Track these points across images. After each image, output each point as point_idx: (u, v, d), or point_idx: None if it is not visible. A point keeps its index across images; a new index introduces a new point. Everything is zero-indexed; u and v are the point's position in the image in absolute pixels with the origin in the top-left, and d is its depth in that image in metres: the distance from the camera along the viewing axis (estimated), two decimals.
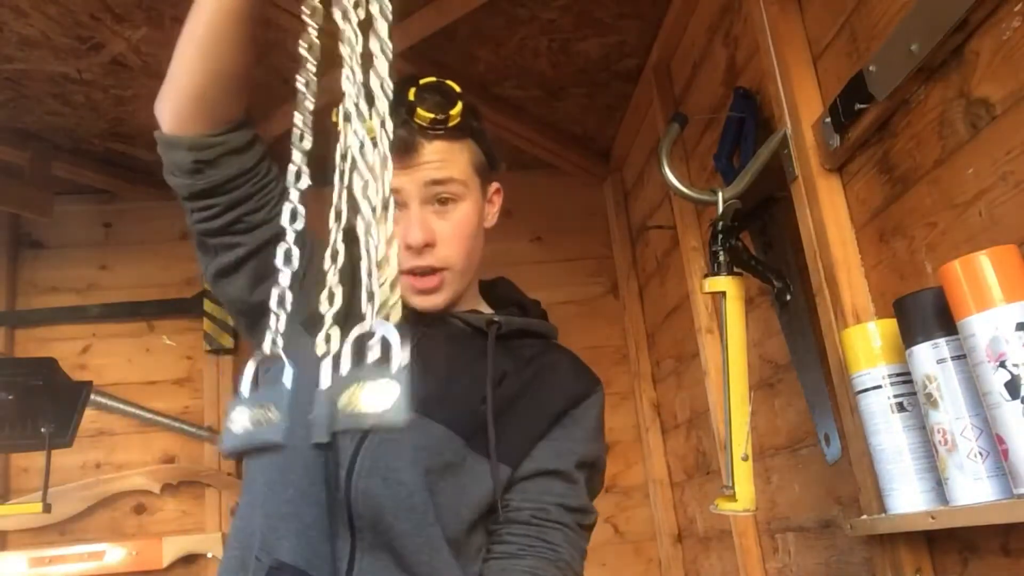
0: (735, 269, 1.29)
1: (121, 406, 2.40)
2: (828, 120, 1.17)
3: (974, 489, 0.87)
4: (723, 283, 1.27)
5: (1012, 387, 0.78)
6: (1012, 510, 0.81)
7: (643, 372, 2.49)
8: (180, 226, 2.57)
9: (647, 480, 2.47)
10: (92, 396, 2.15)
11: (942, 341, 0.90)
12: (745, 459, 1.19)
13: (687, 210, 1.94)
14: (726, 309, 1.26)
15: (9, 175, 2.22)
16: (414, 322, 1.00)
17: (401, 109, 0.97)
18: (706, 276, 1.31)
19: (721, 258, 1.29)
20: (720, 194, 1.32)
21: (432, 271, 1.00)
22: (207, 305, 2.44)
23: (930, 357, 0.91)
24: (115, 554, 2.26)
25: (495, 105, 2.21)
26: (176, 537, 2.32)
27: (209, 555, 2.31)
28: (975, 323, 0.82)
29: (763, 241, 1.52)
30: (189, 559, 2.30)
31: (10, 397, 1.89)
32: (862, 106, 1.08)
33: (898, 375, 1.00)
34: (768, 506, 1.64)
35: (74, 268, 2.52)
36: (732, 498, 1.18)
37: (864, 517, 1.12)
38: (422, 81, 1.02)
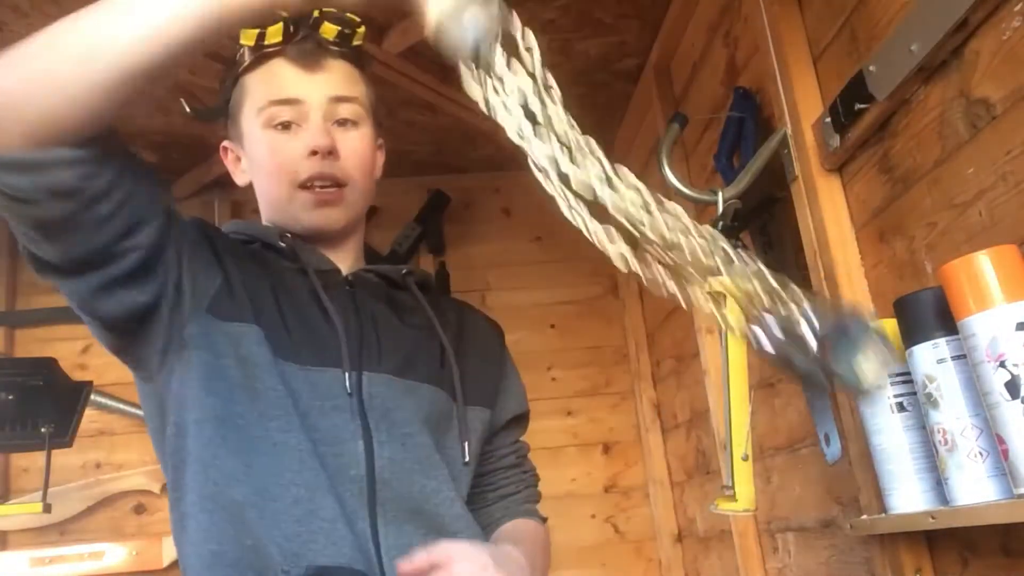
0: None
1: (121, 406, 2.39)
2: (828, 120, 1.17)
3: (974, 489, 0.87)
4: (723, 283, 1.27)
5: (1012, 387, 0.78)
6: (1012, 510, 0.81)
7: (643, 372, 2.49)
8: None
9: (647, 480, 2.47)
10: (92, 396, 2.15)
11: (942, 341, 0.90)
12: (745, 459, 1.19)
13: (687, 210, 1.94)
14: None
15: None
16: (335, 281, 1.00)
17: (306, 23, 0.97)
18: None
19: None
20: (720, 194, 1.32)
21: (335, 184, 0.98)
22: None
23: (930, 357, 0.91)
24: (115, 554, 2.26)
25: None
26: None
27: None
28: (975, 323, 0.82)
29: (763, 241, 1.52)
30: None
31: (10, 397, 1.89)
32: (862, 106, 1.08)
33: (898, 375, 1.00)
34: (768, 506, 1.64)
35: None
36: (732, 498, 1.18)
37: (864, 517, 1.12)
38: (325, 8, 0.98)
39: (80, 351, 2.44)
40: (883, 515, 1.04)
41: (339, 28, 0.98)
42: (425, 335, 1.02)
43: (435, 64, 2.02)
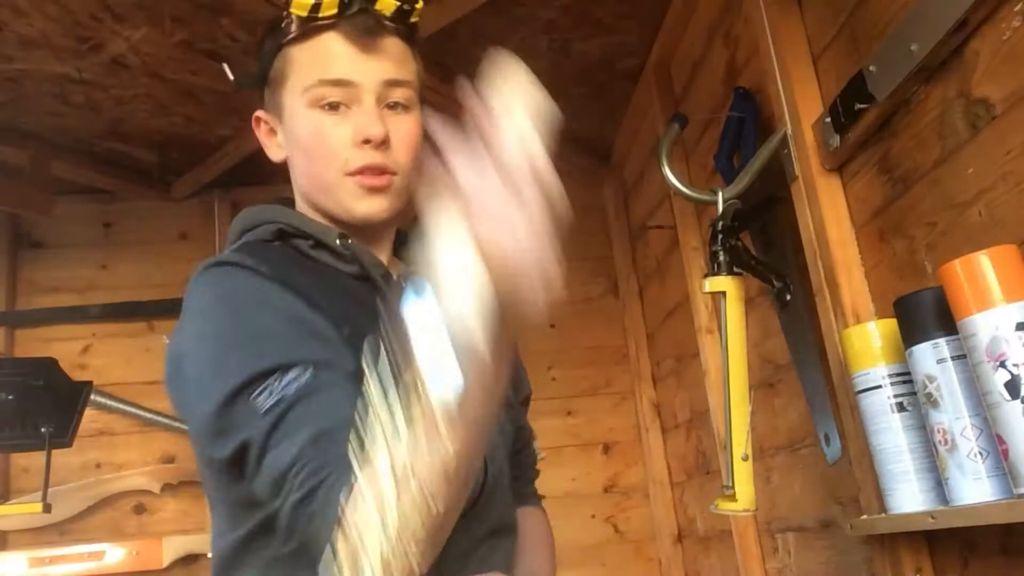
0: (735, 269, 1.29)
1: (121, 406, 2.39)
2: (828, 120, 1.17)
3: (974, 489, 0.87)
4: (723, 283, 1.27)
5: (1012, 387, 0.78)
6: (1012, 510, 0.81)
7: (643, 372, 2.49)
8: (180, 226, 2.57)
9: (647, 480, 2.47)
10: (92, 396, 2.15)
11: (942, 341, 0.90)
12: (745, 459, 1.19)
13: (687, 210, 1.94)
14: (726, 309, 1.26)
15: (9, 175, 2.22)
16: (393, 285, 0.93)
17: None
18: (706, 276, 1.31)
19: (721, 258, 1.29)
20: (720, 194, 1.33)
21: (385, 171, 0.91)
22: None
23: (930, 357, 0.91)
24: (115, 554, 2.26)
25: None
26: (176, 537, 2.31)
27: (209, 555, 2.30)
28: (975, 323, 0.82)
29: (763, 241, 1.52)
30: (189, 559, 2.30)
31: (10, 397, 1.89)
32: (862, 106, 1.08)
33: (898, 375, 1.00)
34: (768, 506, 1.64)
35: (74, 268, 2.51)
36: (732, 498, 1.19)
37: (864, 517, 1.12)
38: None
39: (80, 351, 2.45)
40: (883, 515, 1.04)
41: (398, 4, 0.90)
42: None
43: (435, 64, 2.02)
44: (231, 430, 0.74)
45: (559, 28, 1.93)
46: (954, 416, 0.89)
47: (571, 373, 2.56)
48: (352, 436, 0.64)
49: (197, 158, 2.40)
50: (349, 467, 0.64)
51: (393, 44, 0.92)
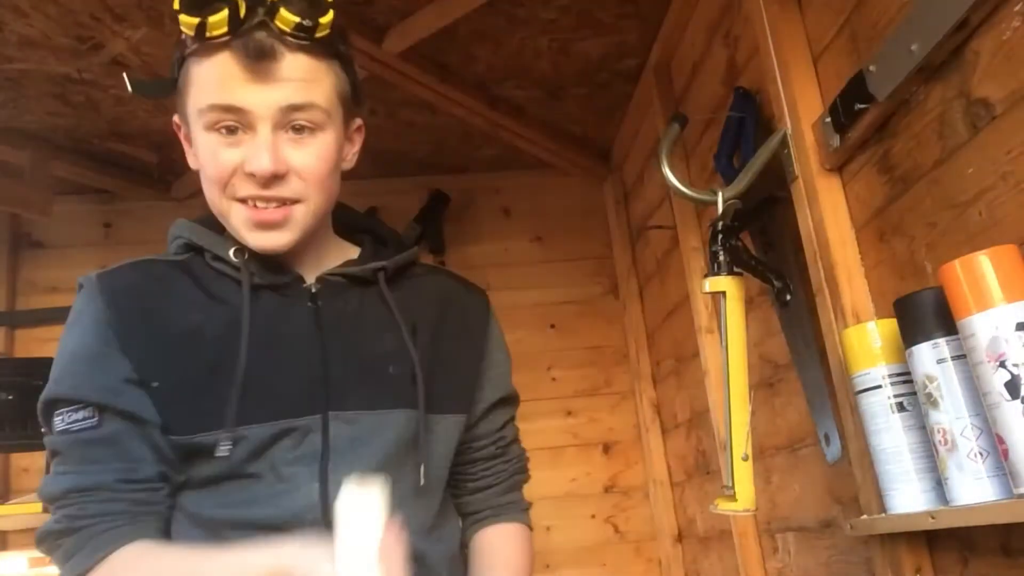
0: (735, 269, 1.29)
1: None
2: (828, 120, 1.17)
3: (974, 489, 0.87)
4: (723, 283, 1.27)
5: (1012, 387, 0.78)
6: (1012, 510, 0.81)
7: (643, 372, 2.49)
8: None
9: (647, 480, 2.47)
10: None
11: (942, 341, 0.90)
12: (745, 459, 1.19)
13: (687, 210, 1.94)
14: (726, 309, 1.26)
15: (9, 175, 2.22)
16: (297, 297, 0.93)
17: (260, 9, 0.82)
18: (706, 276, 1.30)
19: (721, 258, 1.29)
20: (720, 194, 1.32)
21: (279, 202, 0.86)
22: None
23: (930, 357, 0.91)
24: None
25: (495, 105, 2.21)
26: None
27: None
28: (975, 323, 0.81)
29: (763, 241, 1.52)
30: None
31: (10, 397, 1.89)
32: (862, 106, 1.08)
33: (898, 375, 1.00)
34: (768, 506, 1.64)
35: (74, 268, 2.49)
36: (732, 498, 1.18)
37: (864, 517, 1.12)
38: None
39: None
40: (883, 515, 1.04)
41: (298, 19, 0.82)
42: (394, 347, 0.95)
43: (435, 64, 2.02)
44: (44, 426, 0.88)
45: (559, 28, 1.93)
46: (954, 416, 0.89)
47: (571, 373, 2.56)
48: None
49: None
50: (106, 523, 0.81)
51: (296, 63, 0.84)
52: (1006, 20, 0.87)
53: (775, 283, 1.43)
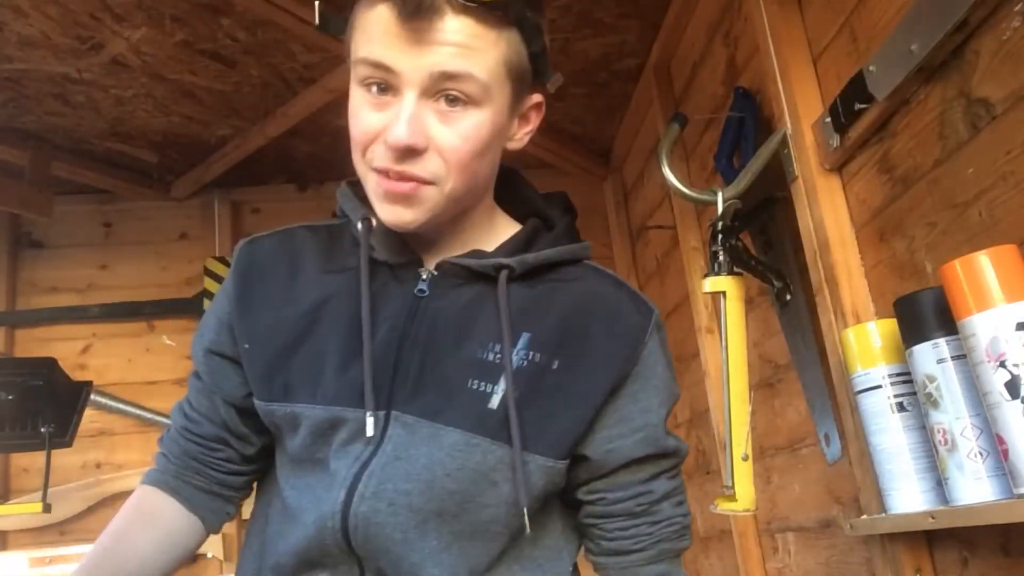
0: (735, 269, 1.29)
1: (121, 406, 2.40)
2: (828, 120, 1.17)
3: (974, 489, 0.87)
4: (723, 283, 1.27)
5: (1012, 387, 0.78)
6: (1012, 510, 0.81)
7: None
8: (180, 226, 2.57)
9: None
10: (92, 396, 2.15)
11: (942, 341, 0.90)
12: (745, 459, 1.19)
13: (687, 210, 1.94)
14: (726, 309, 1.26)
15: (9, 175, 2.22)
16: (406, 281, 0.84)
17: None
18: (706, 276, 1.31)
19: (721, 258, 1.29)
20: (720, 194, 1.32)
21: (411, 179, 0.77)
22: (207, 305, 2.44)
23: (930, 357, 0.91)
24: None
25: None
26: None
27: (209, 555, 2.30)
28: (975, 323, 0.82)
29: (763, 241, 1.52)
30: (189, 559, 2.30)
31: (10, 397, 1.89)
32: (862, 106, 1.08)
33: (898, 375, 1.00)
34: (768, 506, 1.64)
35: (74, 268, 2.52)
36: (732, 498, 1.19)
37: (864, 517, 1.12)
38: None
39: (80, 351, 2.45)
40: (883, 515, 1.04)
41: None
42: (485, 359, 0.81)
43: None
44: None
45: (559, 28, 1.94)
46: (954, 416, 0.89)
47: None
48: None
49: (197, 158, 2.40)
50: (159, 460, 0.93)
51: (459, 26, 0.74)
52: (1006, 20, 0.87)
53: (775, 283, 1.43)
